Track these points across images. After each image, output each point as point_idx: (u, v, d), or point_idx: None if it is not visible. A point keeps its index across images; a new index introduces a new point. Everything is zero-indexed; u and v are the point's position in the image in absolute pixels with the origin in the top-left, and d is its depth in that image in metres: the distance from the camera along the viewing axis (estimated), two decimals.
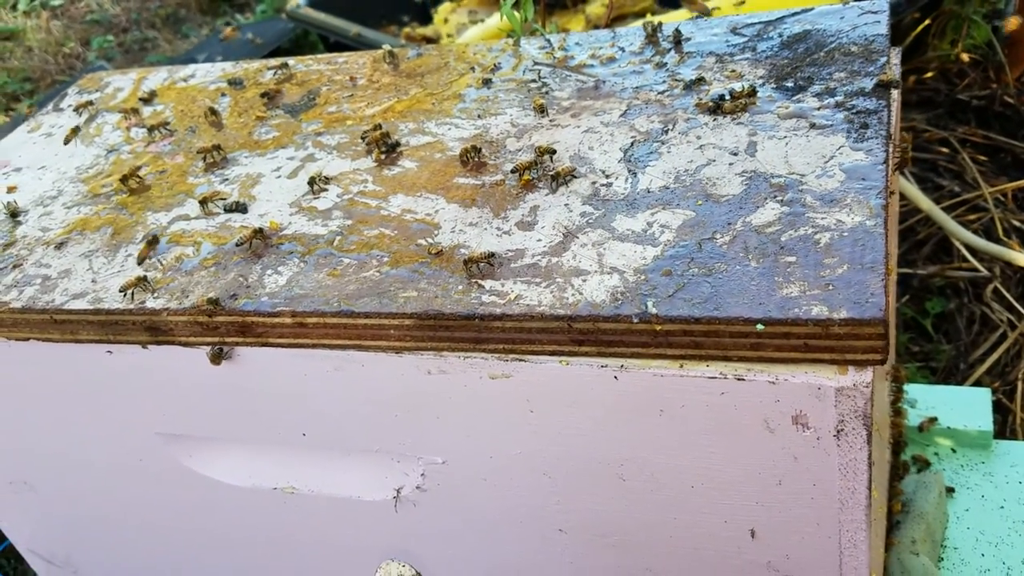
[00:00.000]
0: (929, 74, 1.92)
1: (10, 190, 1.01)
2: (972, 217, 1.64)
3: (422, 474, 0.82)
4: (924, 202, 1.51)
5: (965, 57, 1.89)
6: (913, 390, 1.26)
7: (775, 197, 0.71)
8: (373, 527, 0.88)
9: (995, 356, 1.42)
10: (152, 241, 0.84)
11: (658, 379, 0.66)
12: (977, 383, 1.40)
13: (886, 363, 0.60)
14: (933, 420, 1.19)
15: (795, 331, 0.61)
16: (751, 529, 0.72)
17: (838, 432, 0.62)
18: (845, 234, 0.65)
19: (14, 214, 0.95)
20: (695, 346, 0.64)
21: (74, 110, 1.13)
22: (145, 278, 0.79)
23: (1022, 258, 1.44)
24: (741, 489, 0.69)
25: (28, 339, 0.84)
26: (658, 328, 0.64)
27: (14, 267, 0.87)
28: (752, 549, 0.73)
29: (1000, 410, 1.40)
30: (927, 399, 1.23)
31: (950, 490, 1.13)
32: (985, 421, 1.19)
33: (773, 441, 0.65)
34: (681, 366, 0.66)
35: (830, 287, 0.61)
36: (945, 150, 1.78)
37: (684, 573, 0.78)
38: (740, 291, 0.64)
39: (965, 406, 1.22)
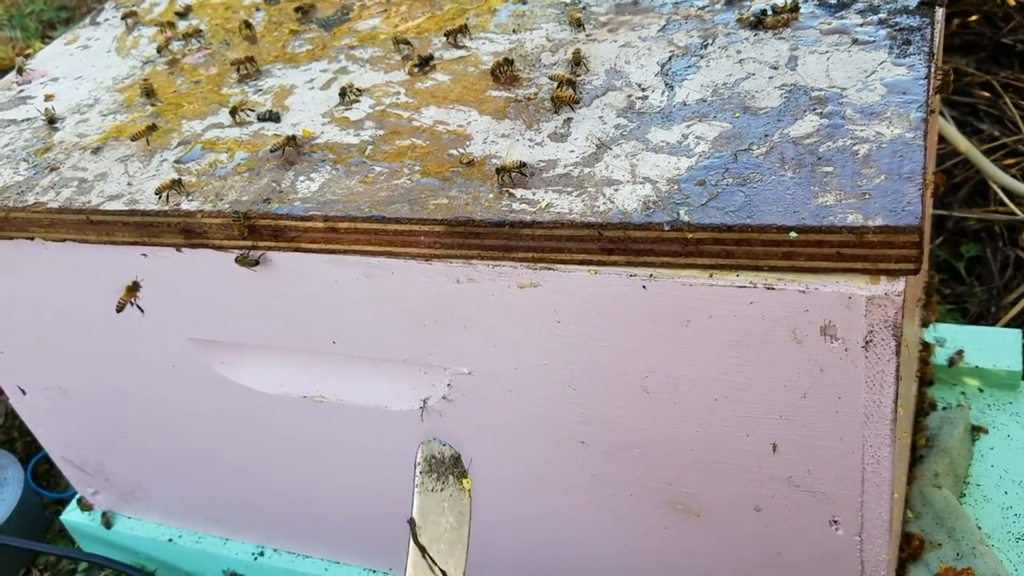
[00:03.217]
0: (973, 17, 1.87)
1: (47, 98, 1.02)
2: (1011, 161, 1.60)
3: (448, 384, 0.83)
4: (963, 143, 1.48)
5: (1011, 0, 1.84)
6: (943, 329, 1.25)
7: (814, 109, 0.70)
8: (399, 436, 0.89)
9: None
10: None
11: (687, 289, 0.66)
12: (1008, 326, 1.39)
13: (919, 273, 0.60)
14: (960, 354, 1.18)
15: (829, 239, 0.60)
16: (773, 443, 0.72)
17: (867, 343, 0.62)
18: (884, 145, 0.64)
19: (51, 120, 0.96)
20: (726, 255, 0.64)
21: (121, 18, 1.14)
22: (179, 180, 0.79)
23: None
24: (765, 402, 0.70)
25: (64, 240, 0.86)
26: (689, 236, 0.64)
27: (51, 170, 0.89)
28: (773, 464, 0.73)
29: None
30: (957, 338, 1.22)
31: (980, 430, 1.12)
32: (1014, 361, 1.18)
33: (800, 353, 0.65)
34: (711, 275, 0.65)
35: (866, 196, 0.61)
36: (986, 94, 1.73)
37: (704, 487, 0.78)
38: (774, 200, 0.63)
39: (994, 346, 1.21)
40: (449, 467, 0.60)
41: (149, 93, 0.95)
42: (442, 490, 0.59)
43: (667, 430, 0.76)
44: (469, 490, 0.59)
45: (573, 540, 0.91)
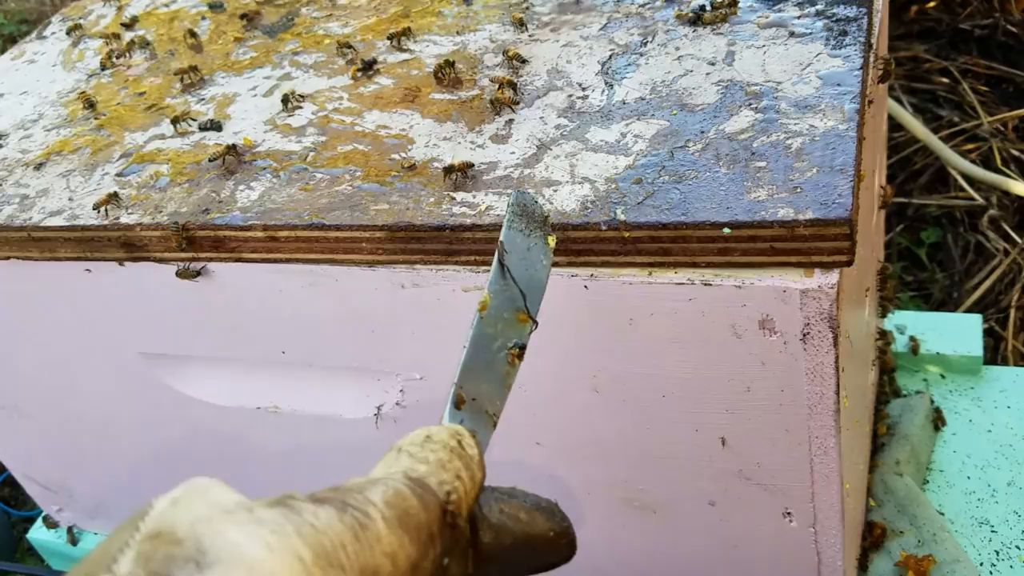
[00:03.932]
0: (931, 3, 1.88)
1: None
2: (970, 147, 1.61)
3: (401, 390, 0.82)
4: (920, 130, 1.49)
5: None
6: (904, 316, 1.25)
7: (750, 105, 0.70)
8: (356, 443, 0.89)
9: (987, 283, 1.41)
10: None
11: (627, 287, 0.66)
12: (970, 311, 1.40)
13: (853, 265, 0.60)
14: (913, 339, 1.19)
15: (761, 234, 0.60)
16: (722, 437, 0.72)
17: (804, 336, 0.62)
18: (817, 138, 0.64)
19: None
20: (663, 253, 0.64)
21: (66, 32, 1.13)
22: (116, 194, 0.79)
23: (1020, 187, 1.42)
24: (711, 397, 0.70)
25: (8, 258, 0.85)
26: (627, 235, 0.64)
27: None
28: (723, 457, 0.73)
29: (993, 338, 1.39)
30: (917, 325, 1.23)
31: (941, 420, 1.13)
32: (975, 347, 1.19)
33: (741, 347, 0.65)
34: (650, 273, 0.65)
35: (798, 190, 0.61)
36: (945, 80, 1.75)
37: (658, 483, 0.78)
38: (709, 197, 0.63)
39: (955, 332, 1.21)
40: (538, 223, 0.62)
41: (90, 105, 0.94)
42: (528, 235, 0.60)
43: (619, 428, 0.76)
44: (553, 247, 0.63)
45: None
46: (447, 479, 0.44)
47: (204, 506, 0.37)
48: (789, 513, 0.76)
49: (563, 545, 0.49)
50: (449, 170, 0.72)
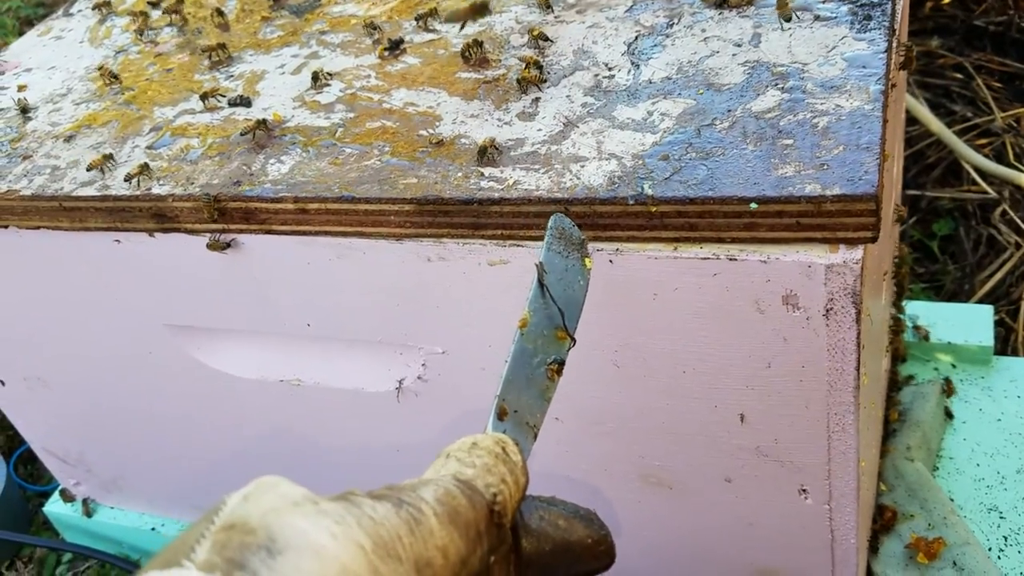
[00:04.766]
0: (946, 0, 1.89)
1: (20, 88, 1.02)
2: (983, 141, 1.62)
3: (423, 364, 0.83)
4: (934, 124, 1.49)
5: None
6: (915, 307, 1.26)
7: (776, 85, 0.71)
8: (377, 418, 0.90)
9: (999, 276, 1.42)
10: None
11: (652, 262, 0.67)
12: (981, 303, 1.40)
13: (877, 241, 0.61)
14: (919, 327, 1.20)
15: (788, 209, 0.61)
16: (740, 413, 0.73)
17: (827, 311, 0.63)
18: (843, 118, 0.65)
19: (24, 110, 0.96)
20: (689, 228, 0.65)
21: (93, 8, 1.14)
22: (147, 165, 0.80)
23: None
24: (731, 373, 0.71)
25: (39, 227, 0.86)
26: (653, 210, 0.65)
27: (24, 159, 0.89)
28: (742, 434, 0.74)
29: (1004, 329, 1.40)
30: (930, 315, 1.24)
31: (948, 415, 1.14)
32: (986, 337, 1.20)
33: (763, 322, 0.66)
34: (675, 248, 0.66)
35: (825, 167, 0.62)
36: (959, 76, 1.75)
37: (675, 459, 0.80)
38: (736, 173, 0.64)
39: (967, 322, 1.22)
40: (576, 245, 0.65)
41: (113, 77, 0.95)
42: (566, 257, 0.63)
43: (638, 404, 0.77)
44: (590, 268, 0.65)
45: None
46: (493, 482, 0.48)
47: (273, 500, 0.40)
48: (805, 490, 0.77)
49: (601, 552, 0.52)
50: (483, 152, 0.72)
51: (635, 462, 0.82)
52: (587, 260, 0.66)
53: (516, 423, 0.57)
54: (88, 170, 0.79)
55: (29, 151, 0.90)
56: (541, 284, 0.62)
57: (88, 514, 1.26)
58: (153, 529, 1.24)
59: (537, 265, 0.63)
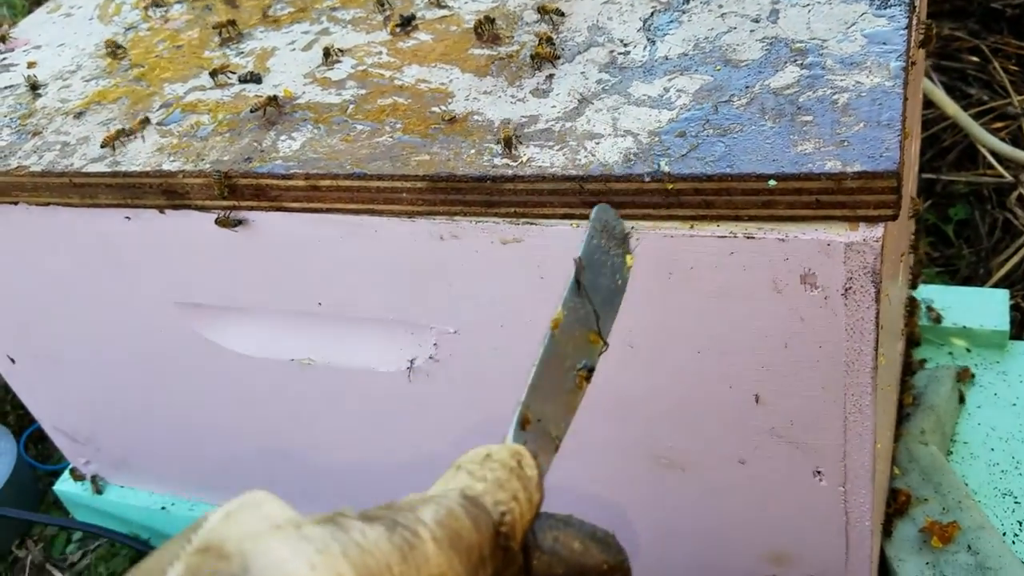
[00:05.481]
0: None
1: (30, 65, 1.01)
2: (999, 125, 1.60)
3: (435, 344, 0.83)
4: (950, 107, 1.48)
5: None
6: (931, 290, 1.25)
7: (795, 61, 0.70)
8: (387, 398, 0.89)
9: (1015, 260, 1.41)
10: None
11: (668, 240, 0.66)
12: (996, 287, 1.39)
13: (898, 219, 0.60)
14: (931, 309, 1.19)
15: (807, 186, 0.60)
16: (756, 394, 0.72)
17: (846, 290, 0.62)
18: (863, 94, 0.64)
19: (34, 87, 0.96)
20: (706, 205, 0.64)
21: None
22: (123, 129, 0.81)
23: None
24: (747, 353, 0.70)
25: (49, 204, 0.86)
26: (670, 187, 0.64)
27: (34, 135, 0.88)
28: (756, 415, 0.74)
29: (1020, 314, 1.39)
30: (945, 299, 1.23)
31: (962, 400, 1.13)
32: (1002, 321, 1.19)
33: (781, 302, 0.65)
34: (691, 227, 0.65)
35: (845, 143, 0.61)
36: (976, 59, 1.73)
37: (689, 441, 0.79)
38: (754, 149, 0.63)
39: (982, 306, 1.21)
40: (619, 240, 0.61)
41: (117, 47, 0.95)
42: (607, 252, 0.60)
43: (652, 384, 0.76)
44: (630, 267, 0.60)
45: (560, 498, 0.91)
46: (503, 499, 0.45)
47: (255, 522, 0.38)
48: (820, 472, 0.76)
49: None
50: (507, 143, 0.71)
51: (648, 443, 0.82)
52: (628, 257, 0.61)
53: (538, 433, 0.52)
54: (101, 146, 0.79)
55: (39, 127, 0.89)
56: (578, 282, 0.58)
57: (98, 491, 1.26)
58: (163, 508, 1.24)
59: (576, 260, 0.58)
